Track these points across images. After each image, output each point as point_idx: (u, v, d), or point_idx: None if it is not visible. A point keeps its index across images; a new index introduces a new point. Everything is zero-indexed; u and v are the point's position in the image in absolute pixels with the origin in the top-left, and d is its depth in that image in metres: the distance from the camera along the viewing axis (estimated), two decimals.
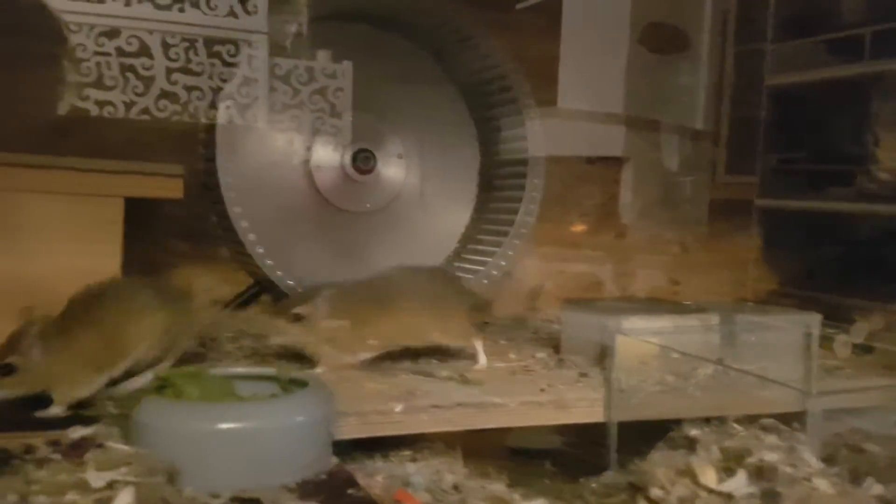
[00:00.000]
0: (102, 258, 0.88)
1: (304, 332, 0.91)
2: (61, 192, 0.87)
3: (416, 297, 0.95)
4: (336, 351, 0.91)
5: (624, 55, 1.38)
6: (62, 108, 0.99)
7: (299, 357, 0.93)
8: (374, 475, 0.74)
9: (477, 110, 1.28)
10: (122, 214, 0.90)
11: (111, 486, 0.58)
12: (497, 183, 1.27)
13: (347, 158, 1.15)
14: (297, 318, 0.89)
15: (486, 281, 1.20)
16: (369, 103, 1.17)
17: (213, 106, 1.04)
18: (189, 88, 1.02)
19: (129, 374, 0.79)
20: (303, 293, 0.92)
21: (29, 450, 0.68)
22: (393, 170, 1.22)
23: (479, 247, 1.24)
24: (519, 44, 1.25)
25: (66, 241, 0.87)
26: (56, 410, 0.75)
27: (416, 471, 0.77)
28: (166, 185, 0.91)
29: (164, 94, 1.04)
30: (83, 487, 0.57)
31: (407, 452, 0.82)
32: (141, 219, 0.93)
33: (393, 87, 1.20)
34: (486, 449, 0.87)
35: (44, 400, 0.74)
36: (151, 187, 0.91)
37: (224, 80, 1.04)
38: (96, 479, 0.58)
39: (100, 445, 0.65)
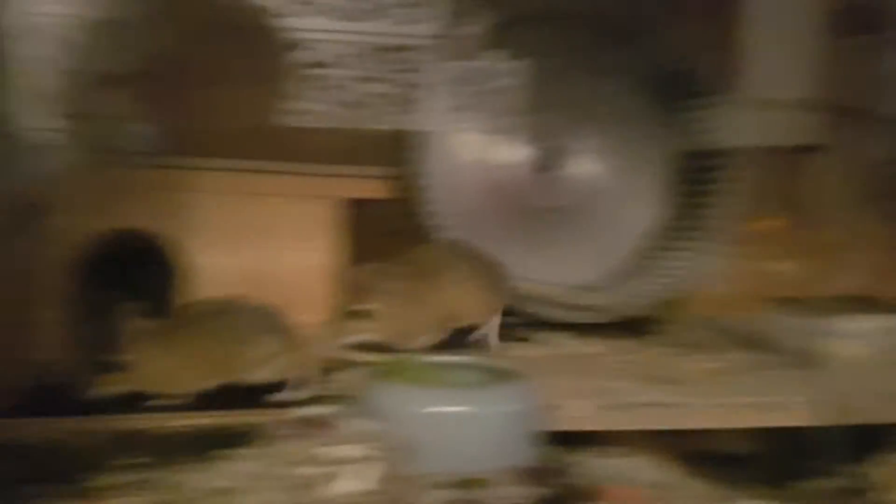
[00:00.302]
0: (326, 255, 0.97)
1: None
2: (290, 195, 0.96)
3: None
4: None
5: (817, 38, 1.31)
6: (278, 119, 1.10)
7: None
8: (573, 468, 0.76)
9: (665, 101, 1.25)
10: (343, 215, 0.97)
11: (353, 460, 0.64)
12: (688, 176, 1.24)
13: (537, 155, 1.18)
14: (360, 315, 0.88)
15: (678, 279, 1.18)
16: (557, 98, 1.19)
17: (399, 112, 1.10)
18: (376, 96, 1.09)
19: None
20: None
21: (262, 427, 0.77)
22: (581, 165, 1.22)
23: (671, 242, 1.22)
24: (706, 31, 1.21)
25: (295, 240, 0.96)
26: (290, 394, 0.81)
27: (618, 466, 0.78)
28: (380, 186, 0.98)
29: (354, 103, 1.12)
30: (327, 459, 0.64)
31: (598, 449, 0.84)
32: (353, 218, 1.00)
33: (580, 81, 1.20)
34: (677, 449, 0.86)
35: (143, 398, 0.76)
36: (367, 188, 0.98)
37: (408, 87, 1.10)
38: (339, 452, 0.64)
39: (328, 425, 0.72)
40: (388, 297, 0.88)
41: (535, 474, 0.68)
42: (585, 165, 1.24)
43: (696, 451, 0.87)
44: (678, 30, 1.19)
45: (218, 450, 0.70)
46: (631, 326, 1.14)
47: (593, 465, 0.78)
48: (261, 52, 1.09)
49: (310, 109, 1.13)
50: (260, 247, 0.95)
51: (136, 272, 0.90)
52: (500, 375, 0.76)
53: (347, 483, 0.62)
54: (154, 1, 0.94)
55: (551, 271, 1.19)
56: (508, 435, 0.69)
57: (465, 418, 0.67)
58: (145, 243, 0.92)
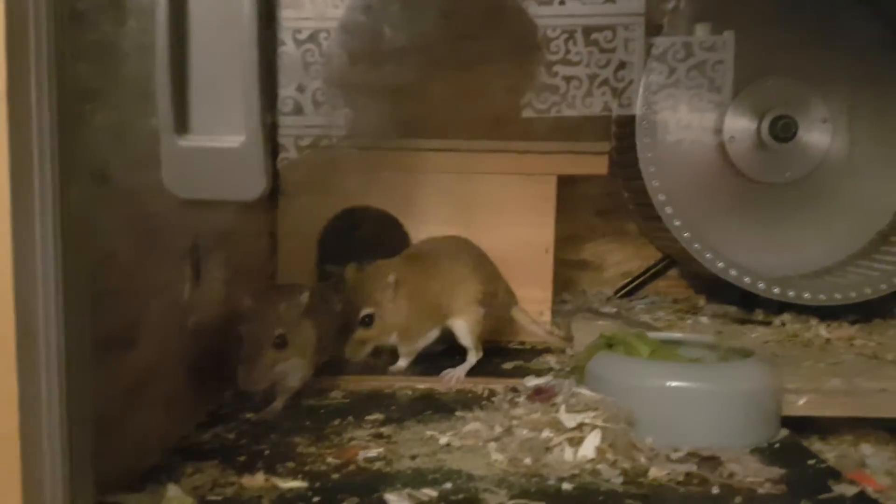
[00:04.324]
0: (539, 231, 0.98)
1: None
2: (506, 173, 0.98)
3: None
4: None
5: None
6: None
7: None
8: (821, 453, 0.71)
9: None
10: (555, 191, 0.98)
11: (580, 427, 0.64)
12: None
13: (765, 127, 1.10)
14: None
15: None
16: (789, 66, 1.11)
17: (588, 94, 1.08)
18: (567, 79, 1.08)
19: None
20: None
21: (493, 393, 0.80)
22: (816, 136, 1.13)
23: None
24: None
25: (510, 215, 0.98)
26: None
27: (871, 454, 0.72)
28: (593, 163, 0.98)
29: (545, 87, 1.11)
30: (556, 426, 0.65)
31: (848, 437, 0.78)
32: (559, 195, 1.01)
33: (815, 47, 1.11)
34: None
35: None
36: (580, 165, 0.98)
37: (600, 67, 1.08)
38: (568, 419, 0.65)
39: (559, 393, 0.73)
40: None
41: (776, 454, 0.64)
42: (824, 136, 1.14)
43: None
44: None
45: (451, 411, 0.73)
46: (870, 310, 1.05)
47: (839, 451, 0.74)
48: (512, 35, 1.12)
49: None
50: (483, 223, 0.98)
51: (368, 247, 0.97)
52: (734, 354, 0.74)
53: (576, 449, 0.62)
54: None
55: (780, 252, 1.12)
56: (745, 413, 0.67)
57: (704, 394, 0.66)
58: (377, 220, 0.98)
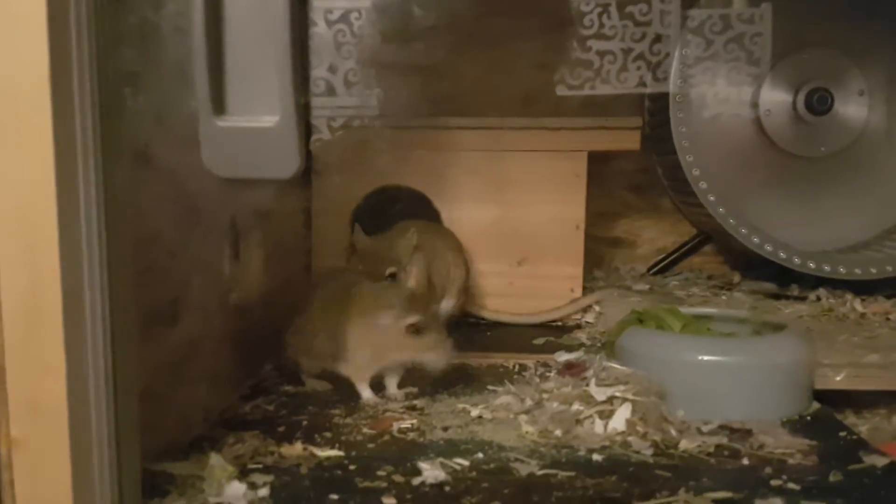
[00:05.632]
0: (570, 207, 0.99)
1: None
2: (536, 150, 0.98)
3: None
4: None
5: None
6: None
7: None
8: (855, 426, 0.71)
9: None
10: (585, 167, 0.98)
11: (610, 400, 0.65)
12: None
13: (801, 99, 1.09)
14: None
15: None
16: (826, 38, 1.09)
17: (623, 69, 1.06)
18: (601, 54, 1.06)
19: None
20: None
21: (523, 368, 0.81)
22: (853, 109, 1.11)
23: None
24: None
25: (541, 192, 0.98)
26: None
27: (881, 426, 0.72)
28: (625, 138, 0.97)
29: (578, 63, 1.10)
30: (587, 399, 0.66)
31: (882, 411, 0.78)
32: (593, 172, 1.01)
33: (852, 18, 1.08)
34: None
35: None
36: (611, 141, 0.98)
37: (635, 41, 1.06)
38: (599, 393, 0.65)
39: (586, 368, 0.74)
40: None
41: (807, 426, 0.64)
42: (861, 109, 1.12)
43: None
44: None
45: (483, 385, 0.75)
46: None
47: (872, 424, 0.73)
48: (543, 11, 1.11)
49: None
50: (514, 200, 0.99)
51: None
52: (766, 329, 0.74)
53: (607, 422, 0.63)
54: None
55: (815, 226, 1.11)
56: (776, 386, 0.67)
57: (735, 367, 0.66)
58: (409, 198, 1.00)
